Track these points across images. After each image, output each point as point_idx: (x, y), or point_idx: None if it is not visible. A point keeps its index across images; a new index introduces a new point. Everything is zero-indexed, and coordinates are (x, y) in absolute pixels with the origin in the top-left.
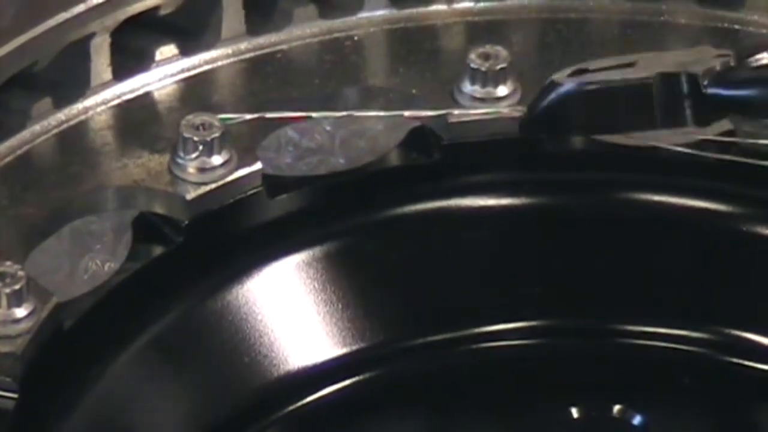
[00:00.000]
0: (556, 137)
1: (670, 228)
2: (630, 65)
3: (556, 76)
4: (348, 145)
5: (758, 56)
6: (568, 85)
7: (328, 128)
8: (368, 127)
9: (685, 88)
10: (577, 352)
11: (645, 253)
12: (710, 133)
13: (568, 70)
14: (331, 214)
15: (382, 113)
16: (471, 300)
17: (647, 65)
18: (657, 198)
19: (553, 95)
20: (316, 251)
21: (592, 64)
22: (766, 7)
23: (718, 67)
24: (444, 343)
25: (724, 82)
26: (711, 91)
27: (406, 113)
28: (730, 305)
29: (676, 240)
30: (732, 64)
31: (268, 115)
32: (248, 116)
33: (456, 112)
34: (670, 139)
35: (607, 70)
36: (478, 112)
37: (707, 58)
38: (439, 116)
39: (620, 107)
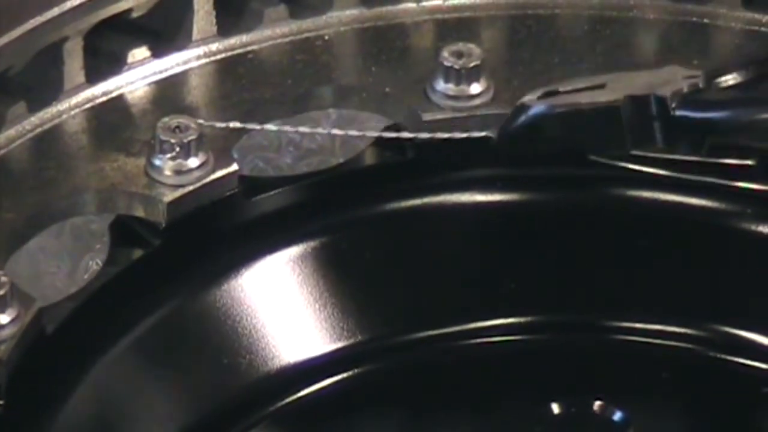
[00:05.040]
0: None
1: (648, 222)
2: (600, 87)
3: (527, 99)
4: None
5: (726, 77)
6: (538, 108)
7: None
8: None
9: (653, 110)
10: (557, 348)
11: (623, 248)
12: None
13: (539, 92)
14: (307, 214)
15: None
16: (450, 297)
17: (617, 87)
18: (634, 192)
19: (523, 117)
20: (293, 251)
21: (562, 86)
22: (733, 1)
23: (686, 89)
24: (423, 340)
25: (692, 104)
26: (679, 113)
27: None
28: (710, 300)
29: (654, 234)
30: (700, 85)
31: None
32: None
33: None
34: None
35: (577, 93)
36: (449, 116)
37: (676, 79)
38: (412, 115)
39: (590, 129)
